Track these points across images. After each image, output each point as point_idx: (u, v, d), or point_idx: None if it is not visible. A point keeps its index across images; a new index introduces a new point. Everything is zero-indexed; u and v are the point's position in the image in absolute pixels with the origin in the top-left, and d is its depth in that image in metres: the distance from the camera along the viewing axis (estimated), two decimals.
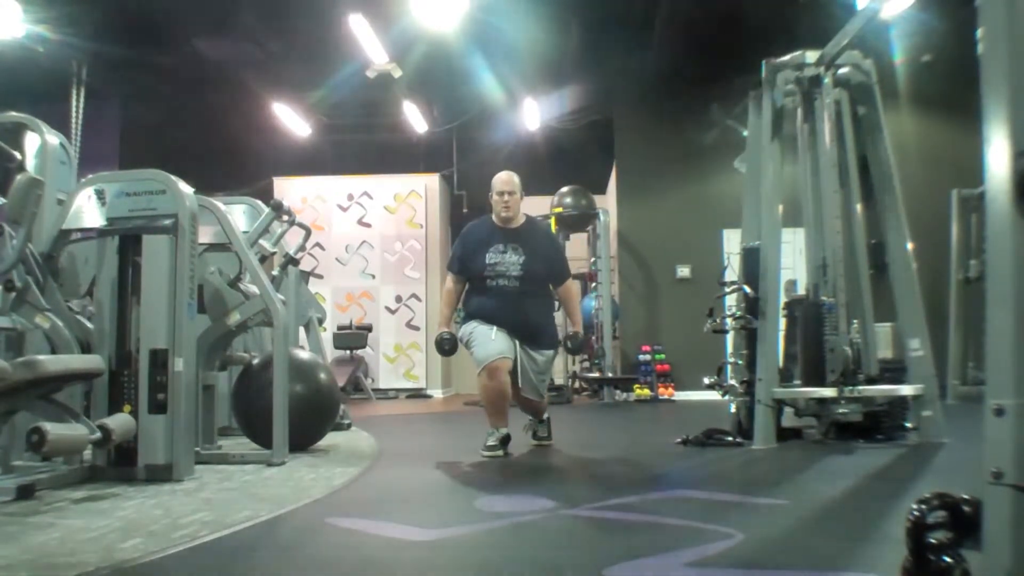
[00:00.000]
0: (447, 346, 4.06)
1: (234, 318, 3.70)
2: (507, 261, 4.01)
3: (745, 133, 4.92)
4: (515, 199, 4.09)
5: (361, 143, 10.60)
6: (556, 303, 4.38)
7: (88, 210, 3.22)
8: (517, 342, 3.99)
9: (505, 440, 3.89)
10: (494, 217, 4.13)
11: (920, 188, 6.86)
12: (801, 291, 4.79)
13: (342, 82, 8.77)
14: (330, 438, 4.39)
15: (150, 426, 3.04)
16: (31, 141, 3.66)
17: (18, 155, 3.56)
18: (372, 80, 8.69)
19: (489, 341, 3.90)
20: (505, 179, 4.11)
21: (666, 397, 8.71)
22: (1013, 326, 1.02)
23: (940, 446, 3.95)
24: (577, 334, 4.28)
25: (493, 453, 3.82)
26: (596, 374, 8.86)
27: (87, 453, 3.12)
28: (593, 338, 9.09)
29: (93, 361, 3.01)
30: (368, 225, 10.38)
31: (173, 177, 3.24)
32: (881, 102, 4.48)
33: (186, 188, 3.25)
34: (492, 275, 4.00)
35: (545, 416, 4.31)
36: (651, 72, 8.65)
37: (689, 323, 5.03)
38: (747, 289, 4.44)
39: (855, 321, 4.35)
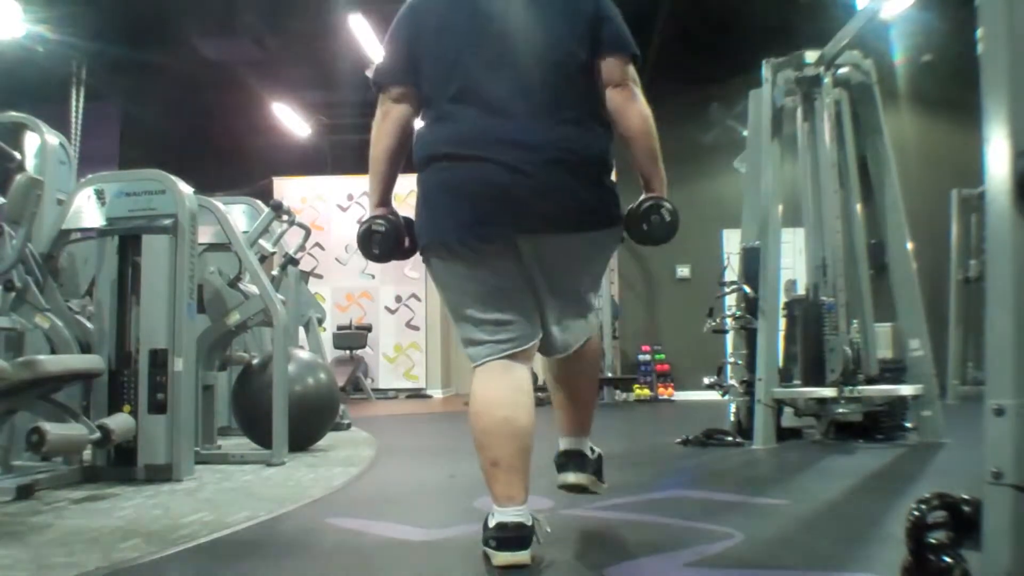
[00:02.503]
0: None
1: (234, 318, 3.70)
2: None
3: (745, 133, 4.92)
4: None
5: (361, 143, 10.52)
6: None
7: (88, 210, 3.22)
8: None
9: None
10: None
11: (920, 188, 6.86)
12: (801, 291, 4.79)
13: (342, 82, 8.77)
14: (330, 438, 4.39)
15: (150, 426, 3.04)
16: (31, 141, 3.66)
17: (18, 155, 3.56)
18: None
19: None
20: None
21: (666, 397, 8.71)
22: (1013, 326, 1.02)
23: (940, 446, 3.95)
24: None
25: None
26: None
27: (87, 453, 3.12)
28: None
29: (93, 361, 3.01)
30: None
31: (173, 177, 3.24)
32: (881, 102, 4.48)
33: (186, 188, 3.25)
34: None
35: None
36: (650, 72, 8.66)
37: (689, 323, 5.04)
38: (747, 289, 4.44)
39: (855, 321, 4.35)
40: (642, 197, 1.94)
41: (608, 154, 1.90)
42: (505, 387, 1.84)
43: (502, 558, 1.74)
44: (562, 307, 1.93)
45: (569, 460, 2.08)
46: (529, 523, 1.78)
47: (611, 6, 1.91)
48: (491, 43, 1.85)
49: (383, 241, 1.94)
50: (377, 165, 1.95)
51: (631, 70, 1.90)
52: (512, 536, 1.75)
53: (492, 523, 1.79)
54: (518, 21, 1.85)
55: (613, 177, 1.91)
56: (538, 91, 1.82)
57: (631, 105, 1.88)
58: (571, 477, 2.08)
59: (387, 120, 1.92)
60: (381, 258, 1.98)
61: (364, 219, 1.95)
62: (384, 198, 1.98)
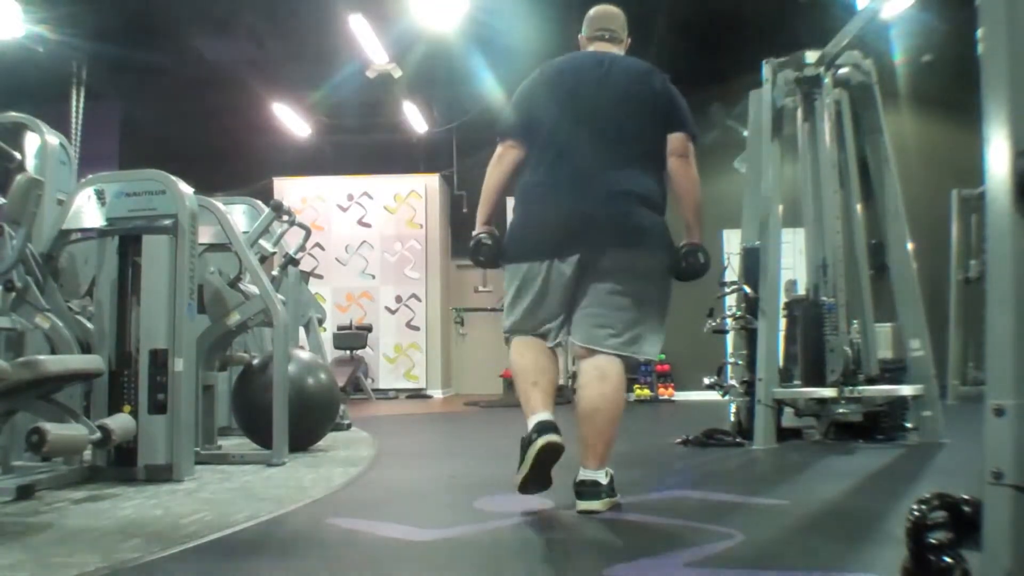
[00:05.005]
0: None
1: (234, 318, 3.70)
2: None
3: (745, 133, 4.92)
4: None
5: (361, 143, 10.59)
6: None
7: (88, 210, 3.22)
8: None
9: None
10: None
11: (920, 188, 6.86)
12: (801, 291, 4.79)
13: (342, 82, 8.78)
14: (330, 438, 4.39)
15: (150, 426, 3.04)
16: (31, 141, 3.66)
17: (18, 155, 3.56)
18: (372, 80, 8.69)
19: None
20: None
21: (666, 397, 8.71)
22: (1013, 326, 1.02)
23: (940, 446, 3.95)
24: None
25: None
26: None
27: (87, 453, 3.12)
28: None
29: (93, 361, 3.01)
30: (368, 225, 10.38)
31: (173, 177, 3.24)
32: (881, 102, 4.48)
33: (186, 188, 3.25)
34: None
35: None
36: None
37: (689, 323, 5.03)
38: (747, 289, 4.44)
39: (855, 321, 4.35)
40: (684, 242, 2.56)
41: (664, 198, 2.51)
42: (534, 345, 2.51)
43: (543, 440, 2.24)
44: (597, 309, 2.46)
45: (586, 488, 2.40)
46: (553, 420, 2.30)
47: (679, 96, 2.56)
48: (585, 116, 2.51)
49: (488, 251, 2.60)
50: (489, 194, 2.61)
51: (691, 146, 2.53)
52: (548, 426, 2.28)
53: (531, 425, 2.31)
54: (607, 101, 2.51)
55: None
56: (617, 152, 2.47)
57: (688, 172, 2.52)
58: (585, 504, 2.39)
59: (502, 162, 2.59)
60: (486, 264, 2.63)
61: (475, 233, 2.60)
62: (490, 219, 2.62)
